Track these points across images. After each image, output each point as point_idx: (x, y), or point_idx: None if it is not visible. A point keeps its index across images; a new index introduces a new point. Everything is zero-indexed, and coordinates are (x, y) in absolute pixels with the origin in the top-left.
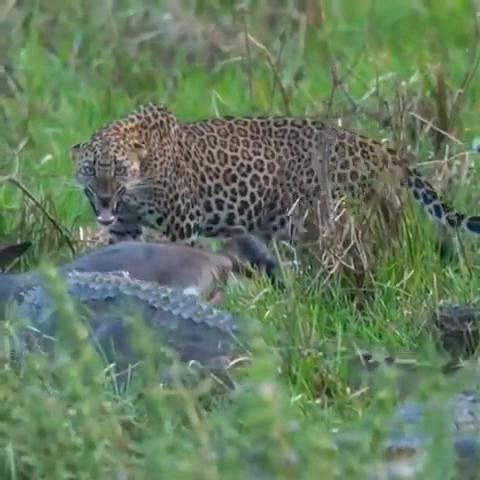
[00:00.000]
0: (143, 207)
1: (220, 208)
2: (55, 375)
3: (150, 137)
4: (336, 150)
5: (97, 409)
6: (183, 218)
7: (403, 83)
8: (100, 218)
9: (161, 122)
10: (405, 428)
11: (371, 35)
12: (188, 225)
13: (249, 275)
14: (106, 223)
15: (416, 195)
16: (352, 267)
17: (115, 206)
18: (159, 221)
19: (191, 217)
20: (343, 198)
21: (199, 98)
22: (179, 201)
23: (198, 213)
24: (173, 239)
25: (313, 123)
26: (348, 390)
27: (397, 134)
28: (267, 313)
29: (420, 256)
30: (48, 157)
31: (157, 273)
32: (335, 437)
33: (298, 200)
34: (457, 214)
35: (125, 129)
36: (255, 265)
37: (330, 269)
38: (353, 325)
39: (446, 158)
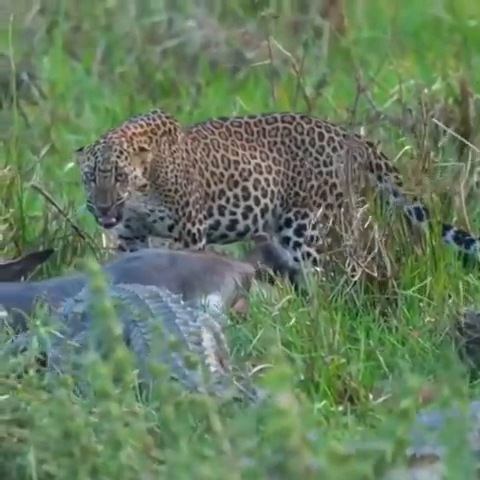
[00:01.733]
0: (153, 214)
1: (222, 214)
2: (79, 382)
3: (160, 144)
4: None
5: (126, 410)
6: (194, 224)
7: (425, 90)
8: (101, 220)
9: (169, 130)
10: (427, 435)
11: (394, 42)
12: (199, 230)
13: (272, 282)
14: (108, 226)
15: (395, 195)
16: (375, 274)
17: (116, 214)
18: (170, 228)
19: (200, 222)
20: (366, 206)
21: (222, 105)
22: (190, 207)
23: (205, 218)
24: (186, 245)
25: (301, 117)
26: (371, 397)
27: (420, 141)
28: (290, 320)
29: (443, 263)
30: (71, 164)
31: (180, 280)
32: (357, 444)
33: (322, 208)
34: (443, 225)
35: (133, 133)
36: (278, 272)
37: (353, 276)
38: (376, 332)
39: (469, 165)
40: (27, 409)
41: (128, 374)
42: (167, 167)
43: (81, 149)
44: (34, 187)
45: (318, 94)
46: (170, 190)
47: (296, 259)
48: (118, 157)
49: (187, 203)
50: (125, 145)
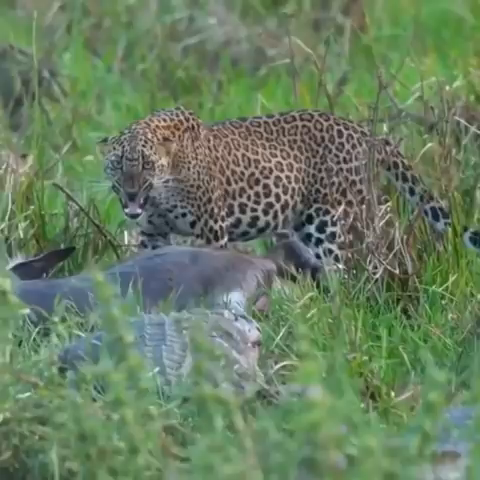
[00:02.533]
0: (175, 210)
1: (242, 212)
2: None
3: (183, 139)
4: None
5: (142, 414)
6: (216, 221)
7: (447, 88)
8: (127, 211)
9: (192, 126)
10: (451, 432)
11: (415, 39)
12: (221, 227)
13: (294, 279)
14: (133, 216)
15: (411, 193)
16: (397, 271)
17: (142, 201)
18: (192, 224)
19: (222, 219)
20: (388, 204)
21: (244, 102)
22: (212, 204)
23: (227, 215)
24: (208, 242)
25: (320, 115)
26: (393, 394)
27: (442, 139)
28: (312, 317)
29: (465, 260)
30: (89, 157)
31: (202, 278)
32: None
33: (343, 205)
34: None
35: (157, 126)
36: (300, 269)
37: (375, 273)
38: (398, 329)
39: None
40: (49, 407)
41: (142, 379)
42: (190, 163)
43: (105, 140)
44: (55, 184)
45: (339, 91)
46: (192, 186)
47: (318, 256)
48: (144, 146)
49: (209, 200)
50: (149, 135)
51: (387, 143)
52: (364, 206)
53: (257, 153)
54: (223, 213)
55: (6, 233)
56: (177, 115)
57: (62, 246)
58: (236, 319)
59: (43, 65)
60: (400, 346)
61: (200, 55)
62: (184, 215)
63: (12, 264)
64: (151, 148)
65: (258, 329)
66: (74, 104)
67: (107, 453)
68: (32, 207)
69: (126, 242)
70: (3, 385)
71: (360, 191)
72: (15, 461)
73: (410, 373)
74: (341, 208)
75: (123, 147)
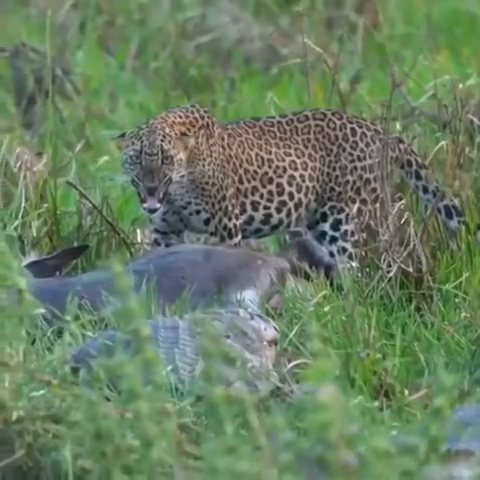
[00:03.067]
0: (190, 207)
1: (255, 210)
2: (113, 377)
3: (198, 136)
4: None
5: (157, 409)
6: (230, 218)
7: (460, 86)
8: (146, 205)
9: (207, 124)
10: (464, 431)
11: (428, 37)
12: (235, 225)
13: (307, 277)
14: (152, 211)
15: (425, 191)
16: (411, 270)
17: (161, 195)
18: (206, 222)
19: (236, 217)
20: (402, 202)
21: (257, 100)
22: (227, 202)
23: (241, 213)
24: (222, 240)
25: (333, 114)
26: (406, 392)
27: (455, 137)
28: (325, 315)
29: (478, 258)
30: (105, 158)
31: (215, 276)
32: (393, 440)
33: (357, 203)
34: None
35: (173, 121)
36: (313, 267)
37: (389, 272)
38: (411, 327)
39: None
40: (62, 405)
41: (157, 373)
42: (205, 160)
43: (122, 135)
44: (68, 183)
45: (353, 90)
46: (207, 183)
47: (332, 254)
48: (162, 141)
49: (224, 197)
50: (167, 130)
51: (400, 141)
52: (378, 204)
53: (271, 152)
54: (237, 211)
55: (19, 231)
56: (192, 112)
57: (75, 244)
58: (252, 318)
59: (56, 63)
60: (414, 344)
61: (213, 53)
62: (198, 212)
63: (25, 262)
64: (170, 143)
65: (275, 329)
66: (87, 102)
67: (122, 451)
68: (46, 205)
69: (139, 240)
70: (17, 384)
71: (374, 189)
72: (29, 459)
73: (424, 371)
74: (355, 206)
75: (142, 142)
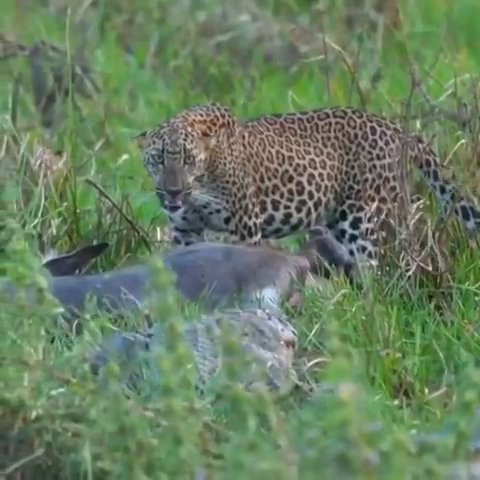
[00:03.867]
0: (210, 206)
1: (276, 209)
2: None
3: (219, 135)
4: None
5: (186, 406)
6: (250, 217)
7: None
8: (167, 203)
9: (228, 122)
10: None
11: (448, 36)
12: (255, 224)
13: (327, 276)
14: (173, 208)
15: (442, 191)
16: (430, 268)
17: (183, 198)
18: (227, 220)
19: (256, 216)
20: (421, 201)
21: (276, 99)
22: (247, 200)
23: (261, 212)
24: (242, 238)
25: (353, 112)
26: (426, 391)
27: (475, 135)
28: (345, 314)
29: None
30: (125, 157)
31: (235, 274)
32: (413, 438)
33: (376, 202)
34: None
35: (194, 120)
36: (333, 266)
37: (408, 270)
38: (431, 326)
39: None
40: (81, 404)
41: (189, 370)
42: (225, 158)
43: (143, 134)
44: (88, 181)
45: (373, 88)
46: (228, 182)
47: (351, 252)
48: (185, 140)
49: (244, 196)
50: (189, 129)
51: (420, 140)
52: (397, 203)
53: (291, 150)
54: (257, 210)
55: (39, 229)
56: (213, 111)
57: (95, 242)
58: (269, 318)
59: (76, 61)
60: (433, 343)
61: (233, 52)
62: (219, 211)
63: (45, 260)
64: (192, 142)
65: (294, 333)
66: (107, 100)
67: (145, 447)
68: (65, 203)
69: (159, 238)
70: (36, 382)
71: (393, 188)
72: (48, 458)
73: (444, 370)
74: (374, 205)
75: (164, 140)
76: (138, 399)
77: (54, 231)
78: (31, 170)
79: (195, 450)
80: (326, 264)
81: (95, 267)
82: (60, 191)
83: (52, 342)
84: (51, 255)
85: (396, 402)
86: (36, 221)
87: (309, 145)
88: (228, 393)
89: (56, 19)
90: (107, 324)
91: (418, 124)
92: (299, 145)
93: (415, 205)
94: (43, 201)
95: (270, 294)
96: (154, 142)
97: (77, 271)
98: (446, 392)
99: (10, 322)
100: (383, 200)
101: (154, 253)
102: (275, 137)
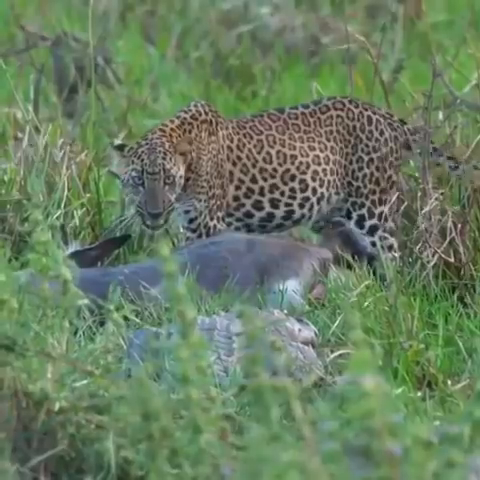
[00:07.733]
0: (180, 208)
1: (275, 207)
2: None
3: (201, 130)
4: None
5: (204, 395)
6: (212, 218)
7: None
8: (149, 223)
9: (210, 120)
10: None
11: (471, 26)
12: (214, 226)
13: (350, 267)
14: (155, 228)
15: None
16: (452, 260)
17: (165, 217)
18: (192, 220)
19: (218, 219)
20: (441, 192)
21: (298, 90)
22: (214, 200)
23: (223, 219)
24: (199, 237)
25: (350, 102)
26: (449, 383)
27: None
28: (368, 305)
29: None
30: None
31: (258, 265)
32: (436, 429)
33: (396, 195)
34: None
35: (171, 129)
36: (356, 257)
37: (429, 262)
38: (454, 317)
39: None
40: (105, 395)
41: (204, 359)
42: (205, 155)
43: (121, 146)
44: (111, 172)
45: (395, 79)
46: (203, 179)
47: (374, 244)
48: (164, 159)
49: (213, 196)
50: (167, 145)
51: (403, 122)
52: (394, 190)
53: (295, 148)
54: (220, 214)
55: (62, 221)
56: (195, 106)
57: (118, 234)
58: (287, 319)
59: (98, 52)
60: (456, 334)
61: (254, 43)
62: (188, 212)
63: (67, 252)
64: (171, 160)
65: (315, 333)
66: (129, 91)
67: (169, 434)
68: (88, 195)
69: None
70: (59, 374)
71: (390, 176)
72: (71, 450)
73: (466, 361)
74: (393, 198)
75: (142, 160)
76: (161, 389)
77: (77, 222)
78: (54, 161)
79: (214, 439)
80: (349, 256)
81: (118, 259)
82: (83, 182)
83: (75, 334)
84: (74, 246)
85: (419, 394)
86: (59, 212)
87: (313, 140)
88: (251, 384)
89: (78, 10)
90: (130, 316)
91: (440, 115)
92: (303, 141)
93: (435, 196)
94: (66, 192)
95: (293, 286)
96: (133, 162)
97: (99, 263)
98: (469, 384)
99: (34, 314)
100: (384, 191)
101: (163, 243)
102: (277, 136)
